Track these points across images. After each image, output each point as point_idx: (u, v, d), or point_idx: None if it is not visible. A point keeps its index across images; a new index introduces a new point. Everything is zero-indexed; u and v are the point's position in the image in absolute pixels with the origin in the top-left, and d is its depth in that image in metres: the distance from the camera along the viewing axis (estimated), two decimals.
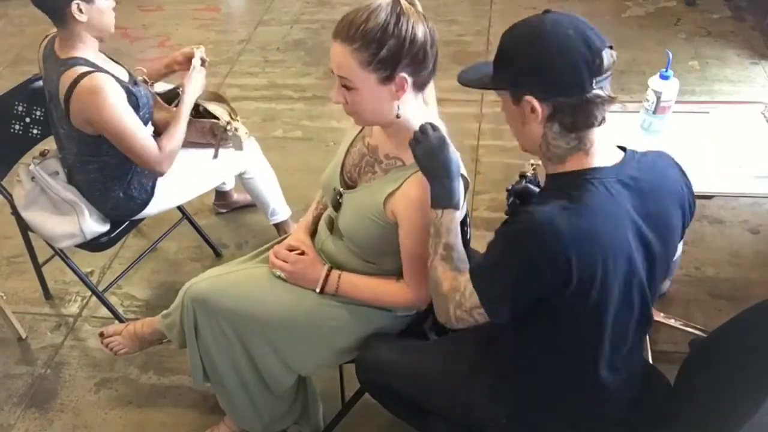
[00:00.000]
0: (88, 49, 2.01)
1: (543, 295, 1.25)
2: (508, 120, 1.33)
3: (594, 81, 1.19)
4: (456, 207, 1.41)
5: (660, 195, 1.30)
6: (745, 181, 1.83)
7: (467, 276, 1.33)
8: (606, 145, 1.29)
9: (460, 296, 1.33)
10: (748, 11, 4.15)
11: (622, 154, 1.31)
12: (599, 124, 1.25)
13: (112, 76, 2.00)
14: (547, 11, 1.28)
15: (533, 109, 1.24)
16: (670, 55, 1.91)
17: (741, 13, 4.14)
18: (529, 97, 1.24)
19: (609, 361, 1.35)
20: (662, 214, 1.30)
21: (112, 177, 2.15)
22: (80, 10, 1.93)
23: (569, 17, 1.24)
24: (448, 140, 1.41)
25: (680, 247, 1.47)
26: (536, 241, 1.22)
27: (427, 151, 1.40)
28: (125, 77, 2.12)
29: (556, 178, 1.31)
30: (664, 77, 1.91)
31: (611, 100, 1.23)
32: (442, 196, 1.40)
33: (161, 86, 2.35)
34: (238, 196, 2.91)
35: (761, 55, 3.74)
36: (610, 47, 1.21)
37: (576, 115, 1.23)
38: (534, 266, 1.22)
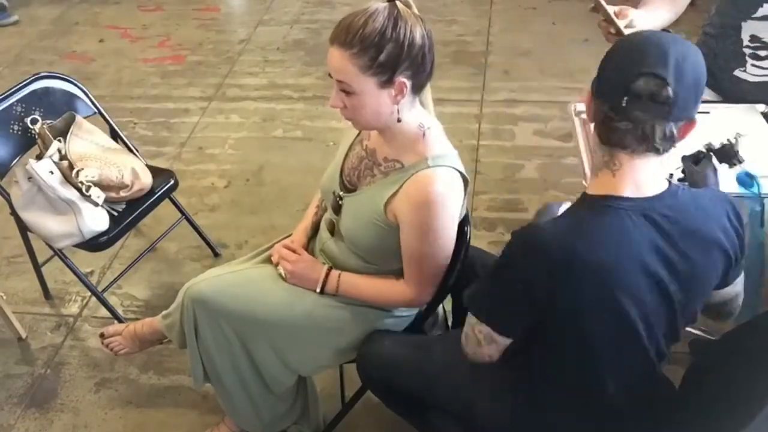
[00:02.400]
0: None
1: (534, 313, 1.26)
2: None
3: (624, 97, 1.17)
4: None
5: (690, 240, 1.24)
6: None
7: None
8: (644, 176, 1.23)
9: (466, 339, 1.38)
10: None
11: (664, 187, 1.25)
12: (630, 151, 1.21)
13: None
14: (666, 30, 1.32)
15: (588, 104, 1.28)
16: None
17: None
18: (589, 91, 1.27)
19: (614, 384, 1.34)
20: (689, 260, 1.24)
21: None
22: None
23: (670, 40, 1.20)
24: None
25: (740, 282, 1.42)
26: (526, 255, 1.23)
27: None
28: None
29: (582, 200, 1.28)
30: None
31: (642, 132, 1.18)
32: None
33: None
34: None
35: None
36: (662, 79, 1.15)
37: (603, 124, 1.22)
38: (526, 281, 1.24)
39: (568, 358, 1.32)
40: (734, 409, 1.29)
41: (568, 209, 1.31)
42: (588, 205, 1.26)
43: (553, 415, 1.43)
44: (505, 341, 1.33)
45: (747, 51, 2.05)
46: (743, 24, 2.02)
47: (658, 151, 1.21)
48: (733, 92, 2.11)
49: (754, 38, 2.02)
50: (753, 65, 2.06)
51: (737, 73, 2.09)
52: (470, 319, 1.36)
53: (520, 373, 1.43)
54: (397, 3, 1.40)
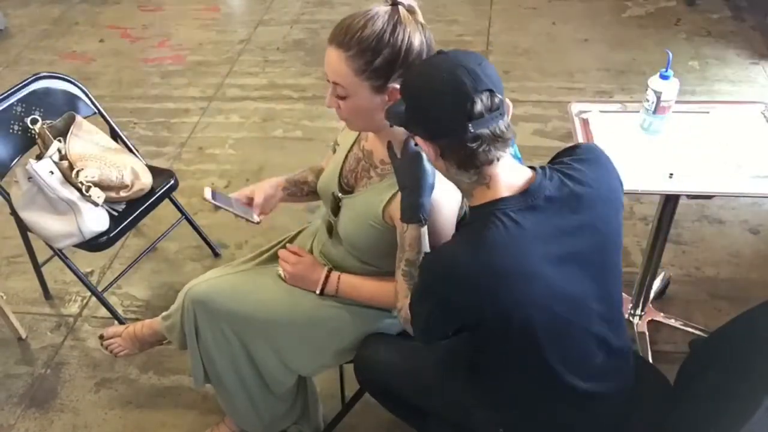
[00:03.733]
0: None
1: (465, 326, 1.31)
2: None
3: (470, 125, 1.20)
4: (420, 223, 1.41)
5: (582, 204, 1.30)
6: (745, 181, 1.82)
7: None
8: (513, 173, 1.29)
9: (405, 313, 1.44)
10: (748, 11, 4.15)
11: (529, 174, 1.30)
12: (493, 162, 1.25)
13: None
14: (439, 51, 1.29)
15: (427, 151, 1.29)
16: (670, 55, 1.91)
17: (741, 13, 4.14)
18: (417, 138, 1.29)
19: (577, 373, 1.35)
20: (588, 223, 1.30)
21: None
22: None
23: (455, 58, 1.24)
24: (424, 156, 1.39)
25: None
26: (442, 279, 1.27)
27: (402, 163, 1.41)
28: None
29: (471, 212, 1.34)
30: (664, 77, 1.91)
31: (499, 139, 1.22)
32: (408, 210, 1.41)
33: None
34: None
35: (761, 55, 3.74)
36: (490, 90, 1.20)
37: (459, 155, 1.24)
38: (446, 303, 1.29)
39: (514, 355, 1.34)
40: (730, 406, 1.29)
41: (462, 228, 1.37)
42: (476, 217, 1.30)
43: (543, 418, 1.43)
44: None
45: None
46: None
47: (509, 143, 1.26)
48: None
49: None
50: None
51: None
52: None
53: (491, 384, 1.45)
54: (399, 8, 1.39)
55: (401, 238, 1.44)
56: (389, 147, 1.44)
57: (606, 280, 1.36)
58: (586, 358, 1.36)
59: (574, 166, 1.33)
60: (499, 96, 1.22)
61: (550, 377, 1.34)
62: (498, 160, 1.25)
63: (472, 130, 1.20)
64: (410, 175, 1.39)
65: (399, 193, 1.48)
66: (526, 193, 1.27)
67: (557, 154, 1.40)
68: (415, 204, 1.39)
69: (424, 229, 1.42)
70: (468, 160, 1.24)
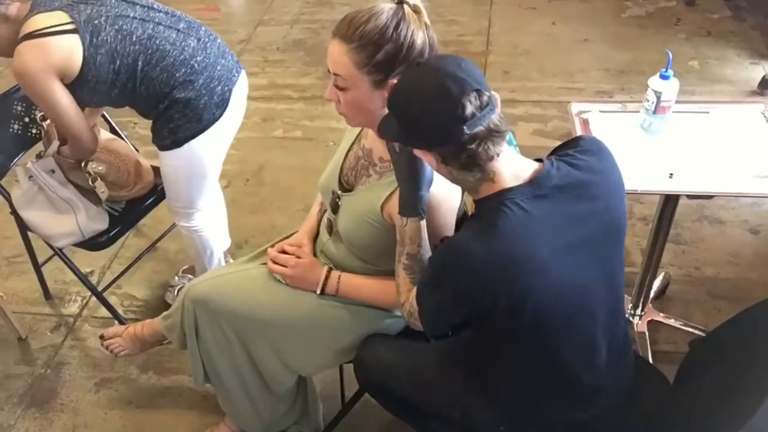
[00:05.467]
0: None
1: (474, 316, 1.31)
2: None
3: (464, 127, 1.20)
4: (420, 217, 1.41)
5: (589, 191, 1.32)
6: (745, 181, 1.82)
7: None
8: (518, 164, 1.31)
9: (410, 306, 1.43)
10: (748, 11, 4.15)
11: (538, 165, 1.32)
12: (494, 157, 1.25)
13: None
14: (417, 63, 1.32)
15: (428, 161, 1.29)
16: (670, 55, 1.91)
17: (741, 13, 4.14)
18: (416, 150, 1.29)
19: (583, 365, 1.36)
20: (596, 210, 1.32)
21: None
22: None
23: (435, 66, 1.26)
24: None
25: None
26: (456, 268, 1.27)
27: (401, 157, 1.40)
28: None
29: (477, 205, 1.34)
30: (664, 77, 1.91)
31: (493, 133, 1.23)
32: (407, 205, 1.42)
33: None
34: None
35: (761, 55, 3.74)
36: (477, 90, 1.21)
37: (460, 159, 1.25)
38: (458, 291, 1.29)
39: (524, 347, 1.34)
40: (730, 404, 1.29)
41: (471, 219, 1.35)
42: (485, 207, 1.30)
43: (545, 416, 1.43)
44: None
45: None
46: None
47: (506, 135, 1.27)
48: None
49: None
50: None
51: None
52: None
53: (494, 383, 1.45)
54: (404, 6, 1.40)
55: (401, 232, 1.44)
56: (389, 141, 1.44)
57: (612, 269, 1.37)
58: (592, 349, 1.37)
59: (579, 157, 1.34)
60: (486, 93, 1.23)
61: (557, 368, 1.34)
62: (498, 155, 1.26)
63: (467, 132, 1.21)
64: (409, 169, 1.39)
65: (396, 192, 1.49)
66: (534, 182, 1.28)
67: (559, 146, 1.40)
68: (414, 197, 1.40)
69: (423, 223, 1.42)
70: (470, 161, 1.25)
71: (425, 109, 1.23)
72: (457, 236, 1.33)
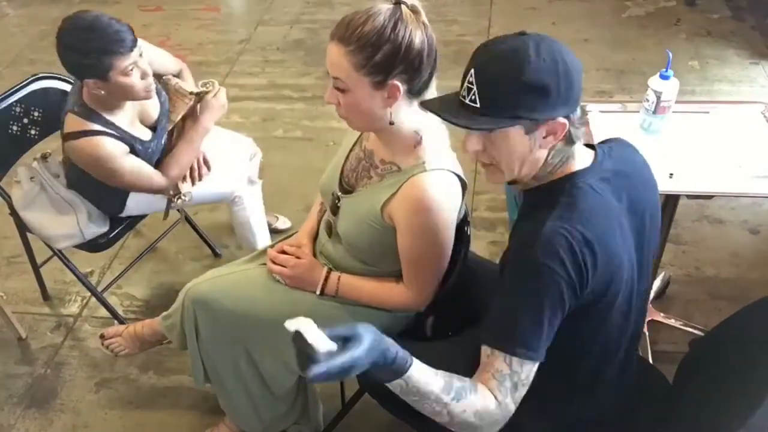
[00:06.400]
0: (103, 103, 1.98)
1: (572, 306, 1.20)
2: (509, 153, 1.24)
3: (580, 103, 1.23)
4: (404, 371, 1.17)
5: (637, 181, 1.35)
6: (745, 181, 1.82)
7: (487, 360, 1.21)
8: (583, 150, 1.32)
9: (496, 384, 1.20)
10: (748, 11, 4.15)
11: (593, 152, 1.33)
12: (580, 138, 1.28)
13: (113, 134, 1.98)
14: (521, 33, 1.20)
15: (554, 132, 1.20)
16: (670, 55, 1.91)
17: (741, 13, 4.14)
18: (553, 122, 1.19)
19: (610, 358, 1.36)
20: (643, 199, 1.34)
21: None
22: (97, 86, 1.90)
23: (539, 35, 1.20)
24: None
25: None
26: (556, 257, 1.16)
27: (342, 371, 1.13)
28: (145, 136, 2.10)
29: (538, 191, 1.30)
30: (664, 77, 1.91)
31: (583, 118, 1.27)
32: (389, 375, 1.18)
33: (190, 86, 2.26)
34: (269, 218, 2.70)
35: (761, 55, 3.74)
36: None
37: (578, 129, 1.25)
38: (558, 287, 1.17)
39: (574, 337, 1.27)
40: (730, 404, 1.29)
41: (534, 209, 1.27)
42: (557, 192, 1.26)
43: (552, 410, 1.43)
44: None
45: None
46: None
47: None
48: None
49: None
50: None
51: None
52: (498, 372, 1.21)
53: None
54: (402, 6, 1.39)
55: (411, 394, 1.21)
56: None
57: (649, 258, 1.39)
58: (619, 341, 1.38)
59: (619, 152, 1.36)
60: None
61: (603, 351, 1.35)
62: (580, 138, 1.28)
63: (581, 105, 1.23)
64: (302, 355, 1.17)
65: (398, 193, 1.48)
66: (595, 166, 1.29)
67: (601, 142, 1.41)
68: (387, 369, 1.17)
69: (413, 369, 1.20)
70: (577, 133, 1.25)
71: (577, 72, 1.19)
72: (533, 230, 1.19)
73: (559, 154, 1.26)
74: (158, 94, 2.14)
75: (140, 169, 2.07)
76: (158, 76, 2.17)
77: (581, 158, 1.29)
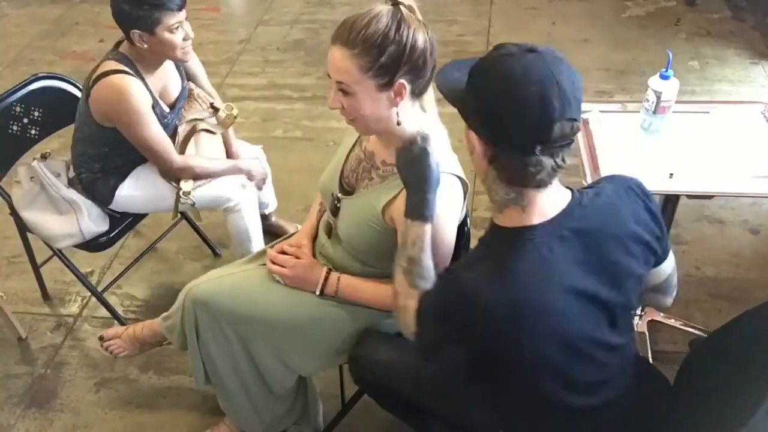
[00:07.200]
0: (142, 58, 2.05)
1: (475, 356, 1.25)
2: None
3: (538, 146, 1.13)
4: (425, 220, 1.38)
5: (607, 242, 1.25)
6: (745, 181, 1.82)
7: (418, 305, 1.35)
8: (552, 200, 1.23)
9: (406, 318, 1.39)
10: (748, 11, 4.15)
11: (568, 198, 1.25)
12: (540, 187, 1.19)
13: (144, 84, 2.04)
14: (531, 50, 1.16)
15: (474, 146, 1.21)
16: (670, 55, 1.91)
17: (741, 13, 4.15)
18: (471, 132, 1.20)
19: (580, 392, 1.32)
20: (611, 263, 1.25)
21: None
22: (141, 39, 1.96)
23: (551, 65, 1.14)
24: (431, 153, 1.36)
25: (672, 257, 1.46)
26: (464, 311, 1.20)
27: (408, 160, 1.39)
28: (165, 109, 2.16)
29: (493, 233, 1.28)
30: (664, 77, 1.91)
31: (558, 169, 1.17)
32: (413, 207, 1.39)
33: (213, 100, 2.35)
34: (276, 220, 2.75)
35: (761, 55, 3.74)
36: (573, 120, 1.13)
37: (513, 171, 1.18)
38: (460, 331, 1.23)
39: (520, 387, 1.30)
40: (730, 405, 1.29)
41: (482, 246, 1.29)
42: (502, 240, 1.24)
43: (546, 427, 1.43)
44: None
45: None
46: None
47: (562, 172, 1.19)
48: None
49: None
50: None
51: None
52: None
53: (489, 401, 1.43)
54: (401, 7, 1.39)
55: (403, 234, 1.43)
56: (404, 143, 1.42)
57: (624, 315, 1.33)
58: (589, 376, 1.33)
59: (601, 201, 1.28)
60: (578, 124, 1.15)
61: (551, 401, 1.31)
62: (545, 188, 1.20)
63: (538, 155, 1.13)
64: (417, 172, 1.38)
65: (400, 195, 1.48)
66: (556, 221, 1.22)
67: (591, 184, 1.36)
68: (421, 200, 1.38)
69: (428, 227, 1.40)
70: (517, 178, 1.18)
71: (517, 109, 1.12)
72: (467, 275, 1.22)
73: (498, 185, 1.21)
74: (182, 78, 2.24)
75: (164, 133, 2.11)
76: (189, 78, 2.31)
77: (542, 212, 1.21)
